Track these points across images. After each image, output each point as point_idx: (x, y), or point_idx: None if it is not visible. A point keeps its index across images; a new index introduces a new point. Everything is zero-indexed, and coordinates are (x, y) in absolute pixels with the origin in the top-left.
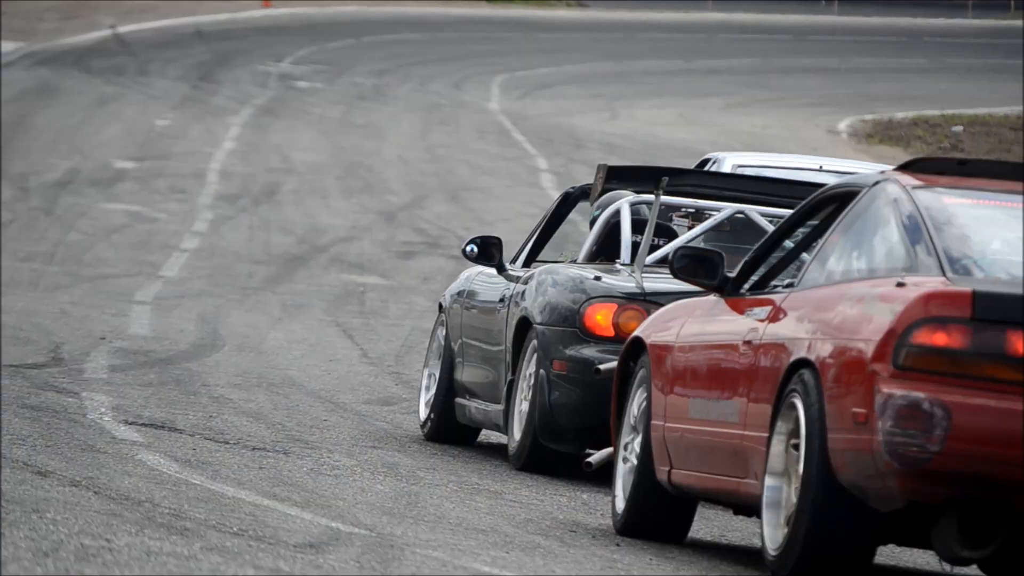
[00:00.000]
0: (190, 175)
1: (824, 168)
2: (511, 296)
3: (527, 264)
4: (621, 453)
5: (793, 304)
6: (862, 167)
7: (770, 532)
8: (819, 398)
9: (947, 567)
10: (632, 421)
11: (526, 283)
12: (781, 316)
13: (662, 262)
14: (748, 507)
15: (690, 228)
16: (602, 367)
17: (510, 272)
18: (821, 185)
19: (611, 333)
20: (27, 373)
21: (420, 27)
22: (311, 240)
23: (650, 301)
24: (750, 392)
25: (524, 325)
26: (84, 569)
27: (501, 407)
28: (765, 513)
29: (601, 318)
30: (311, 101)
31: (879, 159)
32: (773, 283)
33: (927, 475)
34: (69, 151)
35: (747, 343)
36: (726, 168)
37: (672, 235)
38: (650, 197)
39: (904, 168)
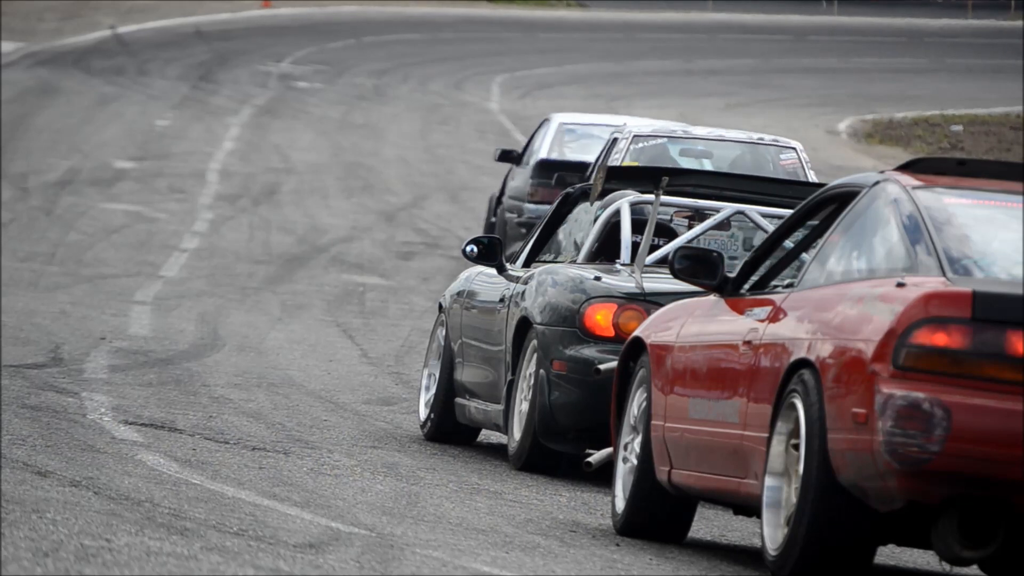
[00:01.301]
0: (190, 175)
1: (627, 125)
2: (511, 296)
3: (527, 264)
4: (621, 453)
5: (793, 304)
6: (664, 126)
7: (770, 532)
8: (819, 398)
9: (947, 567)
10: (632, 421)
11: (526, 283)
12: (781, 316)
13: (662, 262)
14: (748, 507)
15: (690, 228)
16: (602, 367)
17: (510, 272)
18: (821, 185)
19: (611, 333)
20: (27, 373)
21: (420, 27)
22: (311, 240)
23: (650, 301)
24: (750, 392)
25: (524, 325)
26: (84, 569)
27: (501, 407)
28: (765, 513)
29: (601, 318)
30: (311, 101)
31: (879, 159)
32: (773, 283)
33: (927, 475)
34: (69, 151)
35: (747, 343)
36: (553, 126)
37: (672, 235)
38: (650, 197)
39: (904, 168)
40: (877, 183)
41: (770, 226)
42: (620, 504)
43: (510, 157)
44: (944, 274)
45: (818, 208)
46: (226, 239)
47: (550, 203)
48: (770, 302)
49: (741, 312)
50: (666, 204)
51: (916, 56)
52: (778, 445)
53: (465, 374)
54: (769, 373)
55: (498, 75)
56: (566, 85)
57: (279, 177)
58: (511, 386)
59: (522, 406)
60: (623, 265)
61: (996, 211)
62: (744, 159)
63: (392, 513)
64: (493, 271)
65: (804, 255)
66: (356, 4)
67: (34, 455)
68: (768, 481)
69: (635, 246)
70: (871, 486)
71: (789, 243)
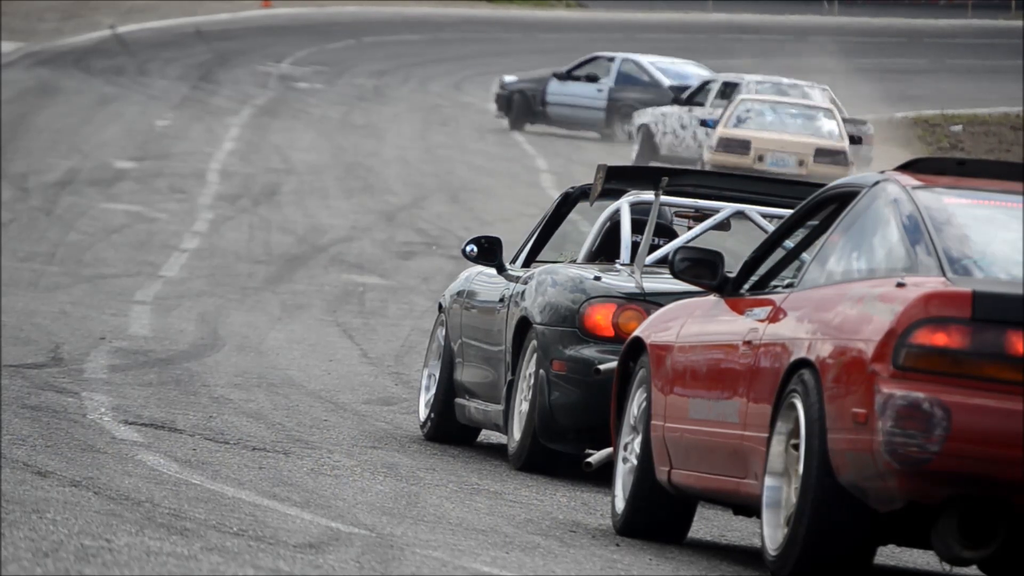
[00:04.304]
0: (190, 175)
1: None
2: (511, 296)
3: (527, 264)
4: (621, 453)
5: (793, 304)
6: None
7: (770, 532)
8: (819, 398)
9: (947, 567)
10: (632, 421)
11: (526, 283)
12: (781, 316)
13: (662, 262)
14: (748, 507)
15: (690, 228)
16: (602, 367)
17: (510, 272)
18: (821, 185)
19: (611, 333)
20: (27, 373)
21: (420, 27)
22: (311, 240)
23: (650, 301)
24: (750, 392)
25: (524, 325)
26: (84, 569)
27: (501, 407)
28: (765, 513)
29: (601, 318)
30: (311, 101)
31: (879, 159)
32: (773, 283)
33: (927, 475)
34: (69, 151)
35: (747, 343)
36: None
37: (672, 235)
38: (651, 196)
39: (904, 168)
40: (877, 183)
41: (770, 226)
42: (620, 504)
43: None
44: (944, 274)
45: (818, 208)
46: (226, 239)
47: None
48: (770, 302)
49: (741, 312)
50: (666, 204)
51: (916, 56)
52: (778, 445)
53: (465, 374)
54: (769, 373)
55: (499, 75)
56: None
57: (279, 177)
58: (511, 386)
59: (522, 406)
60: (623, 265)
61: (996, 211)
62: None
63: (392, 513)
64: (493, 271)
65: (804, 255)
66: (356, 4)
67: (34, 455)
68: (768, 481)
69: (635, 246)
70: (871, 486)
71: (789, 243)
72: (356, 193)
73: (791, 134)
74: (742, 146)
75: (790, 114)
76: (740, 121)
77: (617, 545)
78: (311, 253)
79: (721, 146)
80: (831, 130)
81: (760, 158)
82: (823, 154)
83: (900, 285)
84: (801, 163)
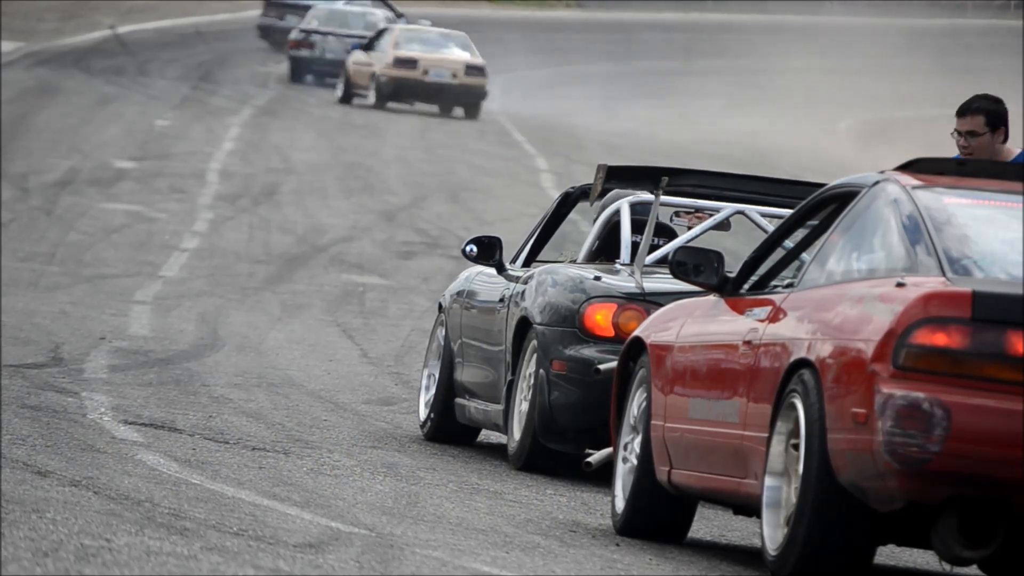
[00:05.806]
0: (190, 175)
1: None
2: (511, 296)
3: (527, 264)
4: (621, 453)
5: (793, 304)
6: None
7: (770, 532)
8: (819, 398)
9: (947, 567)
10: (632, 421)
11: (526, 283)
12: (781, 316)
13: (662, 262)
14: (748, 507)
15: (690, 228)
16: (602, 367)
17: (510, 272)
18: (821, 185)
19: (611, 333)
20: (27, 373)
21: None
22: (311, 240)
23: (650, 301)
24: (750, 392)
25: (524, 325)
26: (84, 569)
27: (501, 407)
28: (765, 513)
29: (601, 318)
30: (311, 101)
31: (879, 159)
32: (773, 283)
33: (927, 475)
34: (69, 151)
35: (747, 343)
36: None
37: (672, 235)
38: (650, 197)
39: (904, 168)
40: (877, 183)
41: (770, 226)
42: (620, 504)
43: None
44: (944, 274)
45: (818, 208)
46: (226, 239)
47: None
48: (770, 302)
49: (741, 312)
50: (666, 204)
51: (916, 56)
52: (778, 445)
53: (465, 374)
54: (769, 373)
55: (498, 75)
56: (566, 85)
57: (279, 177)
58: (511, 386)
59: (522, 406)
60: (623, 265)
61: (996, 211)
62: None
63: (392, 513)
64: (493, 271)
65: (804, 255)
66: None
67: (34, 455)
68: (768, 481)
69: (635, 246)
70: (871, 486)
71: (789, 243)
72: (356, 193)
73: (444, 54)
74: (411, 63)
75: (438, 42)
76: (399, 45)
77: (617, 545)
78: (311, 253)
79: (395, 64)
80: (471, 52)
81: (425, 72)
82: (470, 69)
83: (900, 285)
84: (454, 76)
